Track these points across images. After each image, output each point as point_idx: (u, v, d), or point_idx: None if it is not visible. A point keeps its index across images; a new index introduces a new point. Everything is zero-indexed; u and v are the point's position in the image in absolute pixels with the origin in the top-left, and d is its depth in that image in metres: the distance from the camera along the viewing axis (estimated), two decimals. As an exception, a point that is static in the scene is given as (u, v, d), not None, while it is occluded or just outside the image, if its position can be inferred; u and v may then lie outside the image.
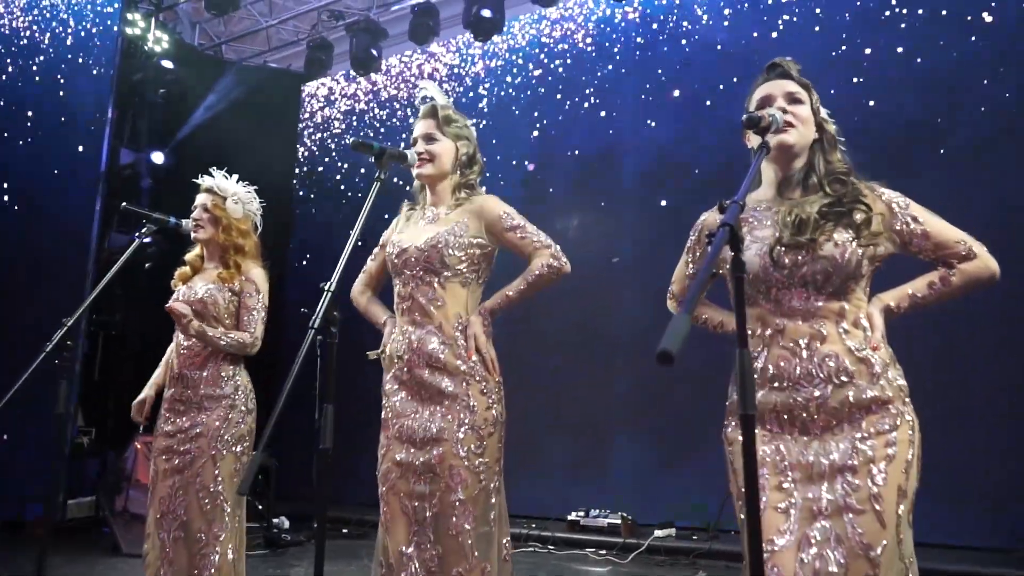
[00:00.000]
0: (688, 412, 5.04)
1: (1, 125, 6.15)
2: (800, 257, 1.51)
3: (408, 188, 2.33)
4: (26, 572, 4.29)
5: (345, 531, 5.73)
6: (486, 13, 6.54)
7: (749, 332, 1.56)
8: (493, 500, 1.95)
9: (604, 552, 4.96)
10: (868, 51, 5.29)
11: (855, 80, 5.29)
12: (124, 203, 2.73)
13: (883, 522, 1.37)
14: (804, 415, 1.49)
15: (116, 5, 6.33)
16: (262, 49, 8.23)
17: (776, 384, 1.51)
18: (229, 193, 2.67)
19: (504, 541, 1.98)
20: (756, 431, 1.53)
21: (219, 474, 2.43)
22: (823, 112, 1.66)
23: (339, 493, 5.62)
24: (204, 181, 2.71)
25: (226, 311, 2.56)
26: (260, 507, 5.97)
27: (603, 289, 6.01)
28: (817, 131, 1.62)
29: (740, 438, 1.54)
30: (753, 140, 1.63)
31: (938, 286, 1.55)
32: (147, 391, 2.75)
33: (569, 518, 5.42)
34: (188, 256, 2.74)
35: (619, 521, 5.15)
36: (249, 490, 2.06)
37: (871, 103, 5.19)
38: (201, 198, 2.67)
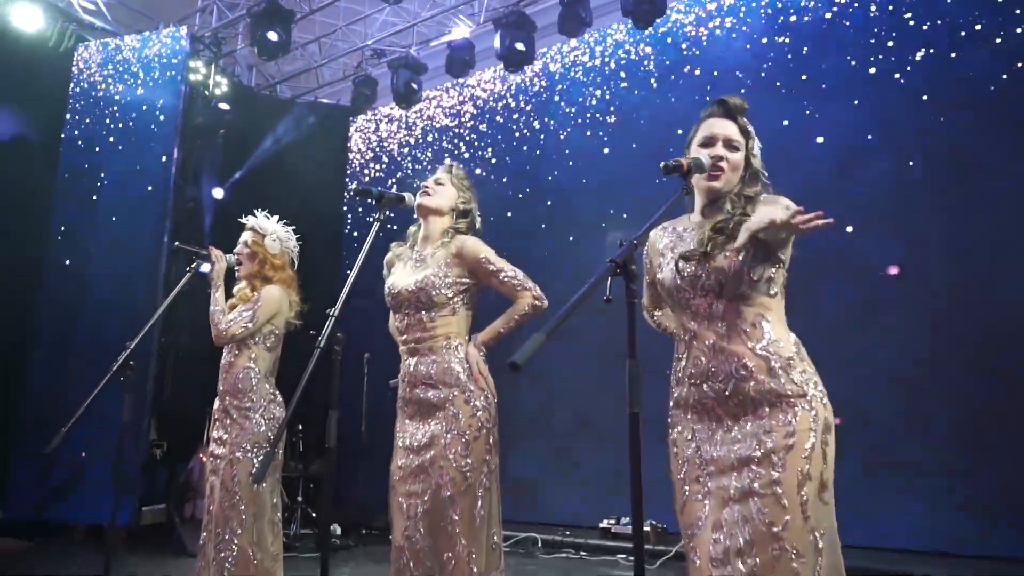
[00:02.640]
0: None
1: (83, 168, 6.85)
2: (698, 269, 1.75)
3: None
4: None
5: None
6: (519, 46, 6.91)
7: (677, 335, 1.82)
8: (480, 494, 2.21)
9: (632, 559, 5.15)
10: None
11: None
12: (177, 242, 3.14)
13: (783, 503, 1.58)
14: (714, 406, 1.72)
15: (179, 57, 6.93)
16: (313, 87, 8.80)
17: (692, 381, 1.76)
18: (268, 231, 3.06)
19: (493, 532, 2.25)
20: (681, 433, 1.79)
21: (236, 476, 2.79)
22: (756, 149, 1.90)
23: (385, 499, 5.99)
24: (248, 220, 3.12)
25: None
26: (313, 515, 6.40)
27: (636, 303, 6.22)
28: (746, 166, 1.87)
29: (674, 443, 1.80)
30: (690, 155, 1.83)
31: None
32: None
33: (601, 525, 5.64)
34: (235, 289, 3.14)
35: (648, 528, 5.34)
36: (261, 479, 2.41)
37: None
38: (244, 235, 3.08)
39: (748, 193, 1.82)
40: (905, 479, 4.86)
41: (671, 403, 1.85)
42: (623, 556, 5.25)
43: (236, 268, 3.06)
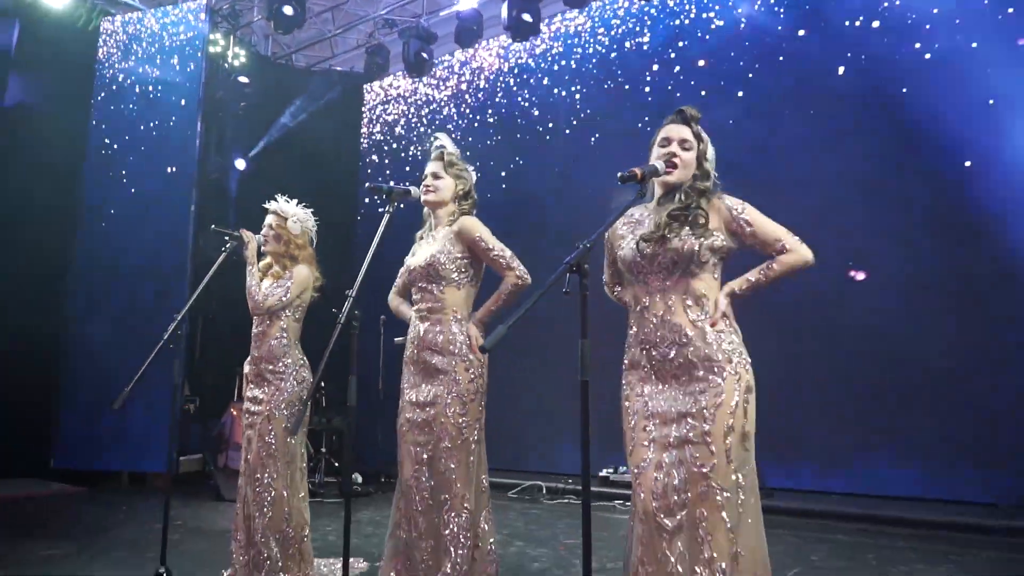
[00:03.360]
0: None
1: (111, 140, 7.22)
2: (656, 249, 2.10)
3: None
4: (152, 514, 5.33)
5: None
6: (526, 17, 7.13)
7: (631, 306, 2.19)
8: (473, 447, 2.62)
9: (629, 503, 5.59)
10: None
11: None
12: (213, 226, 3.51)
13: (712, 449, 1.95)
14: (660, 367, 2.08)
15: (199, 36, 7.21)
16: (327, 55, 9.06)
17: (642, 346, 2.12)
18: (289, 215, 3.42)
19: (482, 477, 2.67)
20: (633, 390, 2.16)
21: (272, 430, 3.20)
22: (709, 153, 2.22)
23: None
24: (270, 205, 3.47)
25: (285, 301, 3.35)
26: (336, 464, 6.91)
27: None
28: (698, 166, 2.20)
29: (626, 399, 2.17)
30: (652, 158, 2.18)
31: (766, 271, 2.10)
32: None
33: (600, 474, 6.10)
34: (261, 264, 3.51)
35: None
36: (295, 432, 2.86)
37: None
38: (268, 219, 3.44)
39: (699, 187, 2.16)
40: (880, 432, 5.24)
41: (624, 365, 2.21)
42: (620, 502, 5.69)
43: (262, 246, 3.43)
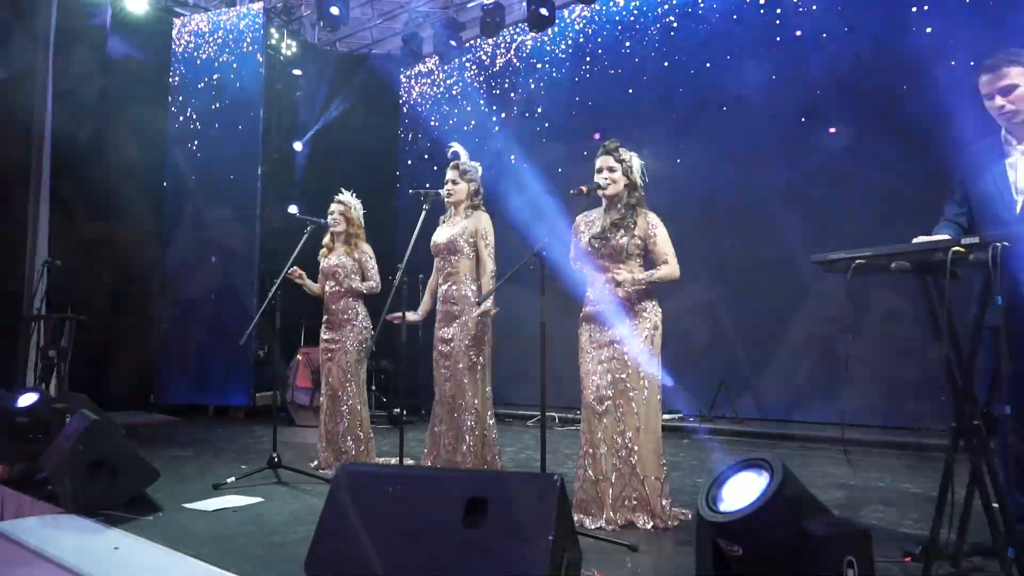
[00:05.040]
0: (692, 324, 6.67)
1: (190, 127, 8.45)
2: (600, 244, 3.23)
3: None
4: (240, 435, 6.68)
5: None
6: (543, 11, 8.07)
7: (588, 278, 3.30)
8: (479, 368, 3.84)
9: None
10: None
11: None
12: (294, 213, 4.72)
13: (627, 363, 3.12)
14: (601, 315, 3.23)
15: (258, 39, 8.32)
16: (367, 42, 10.11)
17: (592, 303, 3.28)
18: (352, 204, 4.62)
19: (487, 388, 3.88)
20: (584, 330, 3.30)
21: (348, 360, 4.45)
22: (634, 166, 3.29)
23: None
24: (337, 197, 4.66)
25: (352, 270, 4.55)
26: (385, 400, 8.21)
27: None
28: (628, 182, 3.28)
29: (580, 335, 3.32)
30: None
31: (653, 273, 3.20)
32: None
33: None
34: (325, 240, 4.73)
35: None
36: (364, 358, 4.17)
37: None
38: (337, 207, 4.63)
39: (630, 202, 3.27)
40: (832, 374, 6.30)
41: (581, 315, 3.36)
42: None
43: (333, 227, 4.62)
